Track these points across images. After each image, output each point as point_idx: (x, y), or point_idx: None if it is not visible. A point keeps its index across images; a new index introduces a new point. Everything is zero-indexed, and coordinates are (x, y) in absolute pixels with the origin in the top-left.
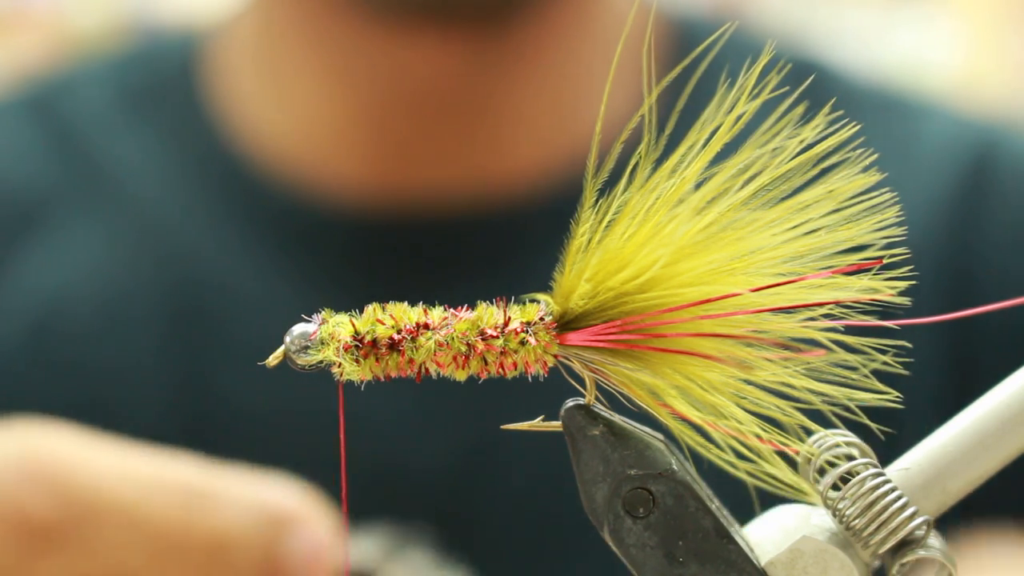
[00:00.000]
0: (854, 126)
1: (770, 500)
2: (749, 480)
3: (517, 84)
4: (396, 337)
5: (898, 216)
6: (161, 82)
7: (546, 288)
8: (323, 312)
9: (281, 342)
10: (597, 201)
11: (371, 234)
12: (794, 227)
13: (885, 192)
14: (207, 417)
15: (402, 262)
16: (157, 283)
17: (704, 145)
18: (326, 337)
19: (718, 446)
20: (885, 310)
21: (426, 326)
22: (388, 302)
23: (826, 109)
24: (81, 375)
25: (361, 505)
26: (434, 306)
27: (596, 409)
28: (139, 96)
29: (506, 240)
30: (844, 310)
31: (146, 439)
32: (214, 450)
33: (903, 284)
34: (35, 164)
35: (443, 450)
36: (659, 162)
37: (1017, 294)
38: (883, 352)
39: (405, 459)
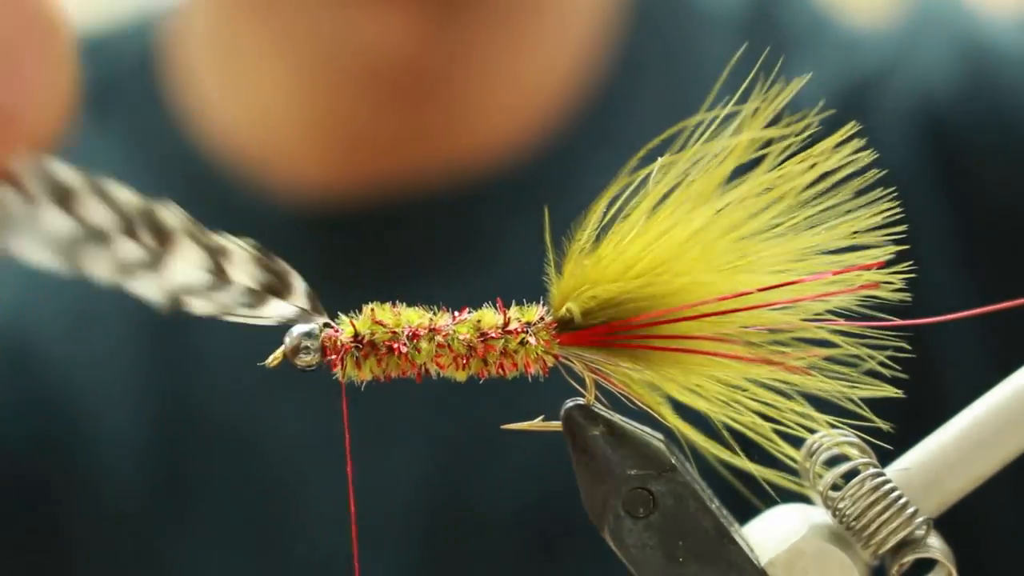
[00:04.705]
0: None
1: (770, 500)
2: (758, 475)
3: (476, 52)
4: (396, 338)
5: (895, 203)
6: (119, 73)
7: (518, 266)
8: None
9: (280, 342)
10: (598, 200)
11: (337, 225)
12: (795, 223)
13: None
14: (177, 419)
15: (369, 252)
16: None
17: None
18: (326, 339)
19: (725, 445)
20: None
21: (427, 327)
22: (388, 300)
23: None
24: (49, 380)
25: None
26: (413, 299)
27: (596, 409)
28: (98, 89)
29: (474, 220)
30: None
31: (115, 437)
32: (185, 457)
33: (905, 275)
34: None
35: (442, 451)
36: (651, 157)
37: None
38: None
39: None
